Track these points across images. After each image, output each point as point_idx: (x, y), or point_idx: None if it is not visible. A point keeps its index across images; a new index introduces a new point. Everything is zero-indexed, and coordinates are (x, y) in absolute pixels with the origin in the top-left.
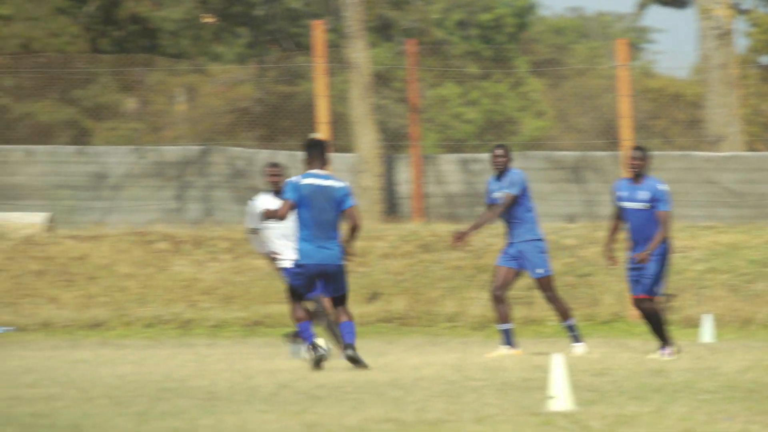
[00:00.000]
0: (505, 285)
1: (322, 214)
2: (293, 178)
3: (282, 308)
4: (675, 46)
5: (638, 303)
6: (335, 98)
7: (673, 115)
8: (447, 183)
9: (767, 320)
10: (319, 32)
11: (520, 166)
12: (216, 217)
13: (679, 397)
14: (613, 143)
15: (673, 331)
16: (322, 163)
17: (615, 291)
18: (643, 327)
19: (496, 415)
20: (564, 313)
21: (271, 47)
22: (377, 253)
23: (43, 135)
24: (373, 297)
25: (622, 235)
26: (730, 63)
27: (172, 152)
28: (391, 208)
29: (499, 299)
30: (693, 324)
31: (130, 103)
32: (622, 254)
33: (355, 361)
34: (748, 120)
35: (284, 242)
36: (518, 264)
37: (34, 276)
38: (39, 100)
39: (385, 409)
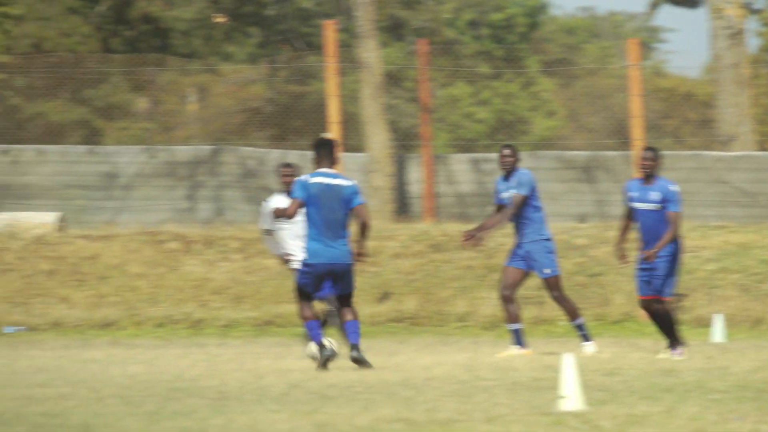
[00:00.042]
0: (514, 285)
1: (330, 213)
2: (302, 177)
3: (293, 308)
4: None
5: (646, 304)
6: (346, 98)
7: (685, 114)
8: (458, 183)
9: None
10: (330, 32)
11: (531, 165)
12: (227, 216)
13: (689, 397)
14: (624, 143)
15: (684, 331)
16: (331, 162)
17: (626, 291)
18: (654, 327)
19: (506, 414)
20: (572, 313)
21: (283, 47)
22: (388, 252)
23: (54, 135)
24: (384, 297)
25: (633, 235)
26: (742, 62)
27: (183, 152)
28: (402, 208)
29: (508, 299)
30: (704, 324)
31: (142, 103)
32: (633, 254)
33: (360, 362)
34: (760, 120)
35: (298, 243)
36: (527, 264)
37: (45, 276)
38: (50, 100)
39: (396, 408)
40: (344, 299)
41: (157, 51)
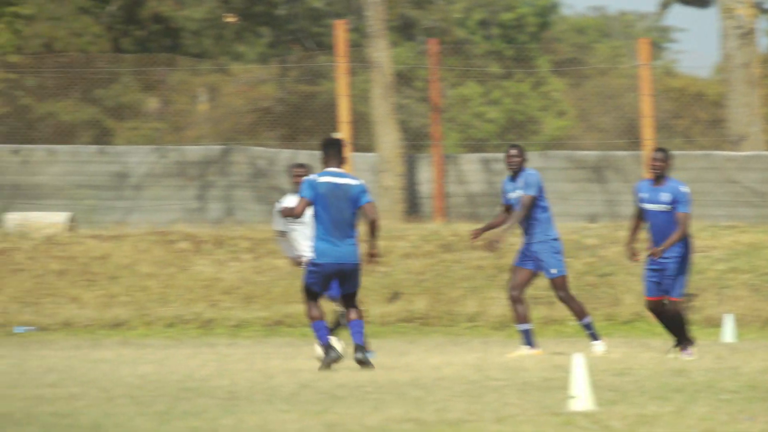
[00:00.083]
0: (522, 285)
1: (338, 213)
2: (310, 177)
3: (303, 308)
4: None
5: (653, 305)
6: (357, 98)
7: (695, 114)
8: (468, 183)
9: None
10: (340, 32)
11: (541, 165)
12: (237, 216)
13: (700, 397)
14: (634, 143)
15: (695, 331)
16: (339, 161)
17: (636, 291)
18: (662, 327)
19: (517, 415)
20: (579, 313)
21: (293, 47)
22: (398, 252)
23: (65, 135)
24: (395, 297)
25: (643, 235)
26: (753, 62)
27: (193, 152)
28: (413, 208)
29: (516, 300)
30: (714, 324)
31: (152, 103)
32: (644, 253)
33: (363, 363)
34: None
35: (310, 244)
36: (535, 264)
37: (55, 276)
38: (61, 100)
39: (405, 408)
40: (349, 298)
41: (168, 51)
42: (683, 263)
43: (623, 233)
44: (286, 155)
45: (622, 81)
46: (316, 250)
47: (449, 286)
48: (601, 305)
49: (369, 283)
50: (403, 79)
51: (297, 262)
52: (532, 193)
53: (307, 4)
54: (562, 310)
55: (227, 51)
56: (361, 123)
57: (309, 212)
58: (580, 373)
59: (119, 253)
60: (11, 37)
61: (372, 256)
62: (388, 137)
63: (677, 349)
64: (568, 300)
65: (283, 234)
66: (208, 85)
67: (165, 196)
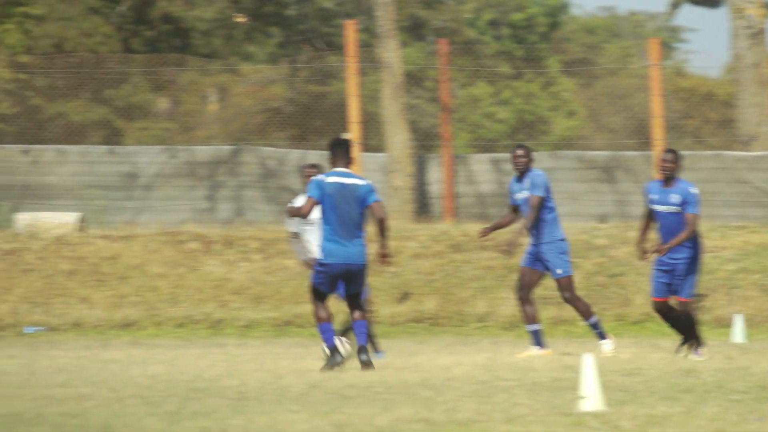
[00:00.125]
0: (530, 286)
1: (346, 213)
2: (318, 177)
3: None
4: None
5: (659, 306)
6: (367, 98)
7: (705, 114)
8: (478, 183)
9: None
10: (351, 32)
11: (551, 165)
12: (247, 217)
13: (710, 398)
14: (644, 143)
15: (705, 332)
16: (347, 162)
17: (646, 291)
18: (670, 328)
19: (526, 415)
20: (585, 313)
21: (303, 47)
22: (408, 253)
23: (75, 135)
24: (404, 297)
25: (653, 235)
26: (763, 62)
27: (203, 152)
28: (423, 208)
29: (525, 300)
30: (724, 324)
31: (162, 103)
32: (654, 254)
33: (367, 365)
34: None
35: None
36: (542, 265)
37: (65, 276)
38: (71, 100)
39: (415, 409)
40: (353, 298)
41: (178, 51)
42: (693, 264)
43: (633, 233)
44: (295, 155)
45: (632, 81)
46: (324, 250)
47: (459, 287)
48: (611, 305)
49: (379, 283)
50: (413, 79)
51: (309, 264)
52: (539, 193)
53: (317, 5)
54: (571, 311)
55: (237, 51)
56: (371, 123)
57: (317, 213)
58: (589, 373)
59: (129, 253)
60: (21, 38)
61: (383, 256)
62: (398, 137)
63: (685, 347)
64: (574, 300)
65: (296, 235)
66: (218, 85)
67: (175, 196)
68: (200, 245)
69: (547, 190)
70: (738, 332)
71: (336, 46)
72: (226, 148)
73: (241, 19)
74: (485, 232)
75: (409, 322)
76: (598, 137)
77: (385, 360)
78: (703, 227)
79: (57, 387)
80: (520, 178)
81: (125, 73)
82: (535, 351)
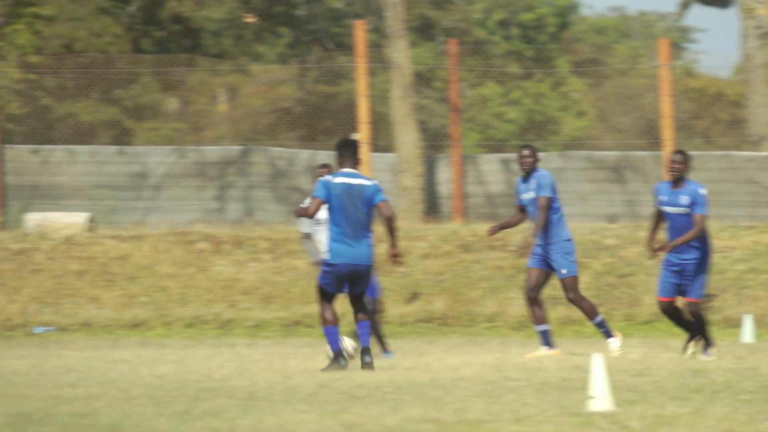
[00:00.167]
0: (538, 286)
1: (353, 214)
2: (326, 177)
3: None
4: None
5: (665, 305)
6: (376, 98)
7: (715, 114)
8: (488, 183)
9: None
10: (360, 32)
11: (560, 166)
12: (256, 217)
13: (719, 398)
14: (654, 143)
15: (714, 332)
16: (354, 162)
17: (655, 291)
18: (677, 328)
19: (535, 415)
20: (591, 312)
21: (313, 47)
22: (417, 253)
23: (84, 135)
24: (413, 297)
25: (662, 235)
26: None
27: (213, 152)
28: (432, 208)
29: (533, 301)
30: (734, 324)
31: (172, 103)
32: (662, 253)
33: (369, 367)
34: None
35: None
36: (549, 265)
37: (75, 276)
38: (81, 101)
39: (424, 409)
40: (357, 299)
41: (188, 51)
42: (703, 264)
43: (643, 234)
44: (305, 156)
45: (641, 81)
46: (331, 250)
47: (468, 287)
48: (621, 305)
49: (388, 283)
50: (423, 79)
51: (320, 266)
52: (547, 194)
53: (326, 5)
54: (580, 311)
55: (247, 51)
56: (381, 123)
57: (326, 213)
58: (598, 373)
59: (138, 253)
60: (31, 38)
61: (394, 256)
62: (408, 137)
63: (691, 343)
64: (578, 300)
65: (308, 236)
66: (227, 85)
67: (184, 196)
68: (210, 245)
69: (554, 190)
70: (747, 332)
71: (345, 47)
72: (235, 149)
73: (250, 19)
74: (493, 231)
75: (418, 322)
76: (607, 137)
77: (394, 360)
78: (713, 227)
79: (66, 387)
80: (526, 179)
81: (135, 73)
82: (544, 351)
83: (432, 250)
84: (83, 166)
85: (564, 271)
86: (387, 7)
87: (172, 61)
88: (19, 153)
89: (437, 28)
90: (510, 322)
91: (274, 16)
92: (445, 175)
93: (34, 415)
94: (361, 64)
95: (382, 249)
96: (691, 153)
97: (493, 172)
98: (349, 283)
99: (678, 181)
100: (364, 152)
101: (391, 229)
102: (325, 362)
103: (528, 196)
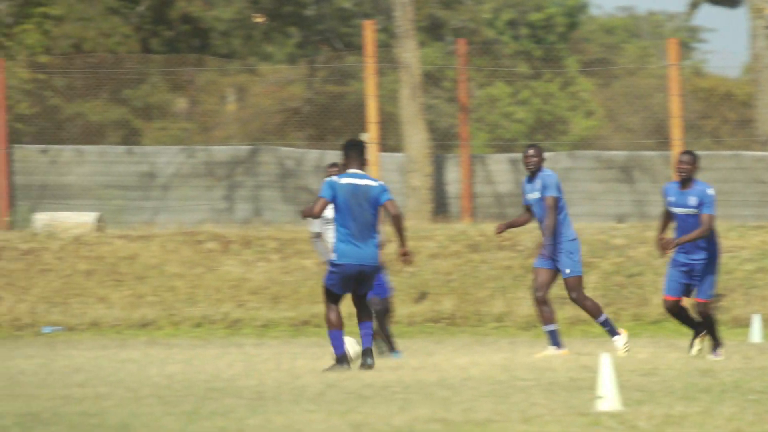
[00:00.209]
0: (545, 286)
1: (360, 214)
2: (332, 178)
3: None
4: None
5: (671, 304)
6: (385, 98)
7: (724, 114)
8: (496, 183)
9: None
10: (369, 32)
11: (569, 165)
12: (265, 217)
13: (727, 398)
14: (663, 143)
15: (722, 331)
16: (360, 163)
17: (662, 289)
18: (682, 326)
19: (543, 415)
20: (594, 312)
21: (322, 47)
22: (426, 253)
23: (93, 135)
24: (422, 297)
25: (671, 235)
26: None
27: (221, 152)
28: (440, 208)
29: (541, 301)
30: (742, 324)
31: (181, 103)
32: (670, 251)
33: (369, 368)
34: None
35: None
36: (555, 264)
37: (83, 276)
38: (90, 100)
39: (432, 408)
40: (361, 299)
41: (197, 51)
42: (711, 265)
43: (651, 233)
44: (314, 155)
45: (650, 81)
46: (338, 251)
47: (476, 287)
48: (629, 305)
49: (396, 283)
50: (432, 79)
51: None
52: (553, 194)
53: (335, 5)
54: None
55: (256, 51)
56: (389, 123)
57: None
58: (606, 373)
59: (147, 253)
60: (40, 38)
61: (404, 255)
62: (416, 137)
63: (697, 340)
64: (581, 300)
65: (318, 235)
66: (236, 85)
67: (193, 196)
68: (218, 245)
69: (559, 189)
70: (756, 332)
71: (354, 46)
72: (244, 148)
73: (259, 19)
74: (501, 229)
75: (427, 322)
76: (616, 137)
77: (402, 360)
78: (721, 227)
79: (75, 386)
80: (531, 179)
81: (144, 73)
82: (552, 351)
83: (440, 250)
84: (92, 166)
85: (567, 271)
86: (396, 6)
87: (181, 61)
88: (27, 153)
89: (446, 28)
90: (518, 322)
91: (283, 16)
92: (454, 175)
93: (43, 414)
94: (370, 64)
95: (391, 248)
96: (700, 153)
97: (501, 172)
98: (354, 283)
99: (686, 181)
100: (373, 152)
101: (399, 228)
102: (331, 362)
103: (533, 196)
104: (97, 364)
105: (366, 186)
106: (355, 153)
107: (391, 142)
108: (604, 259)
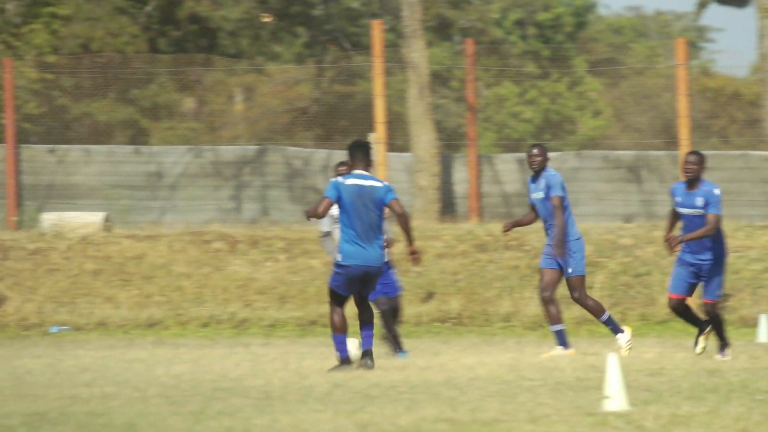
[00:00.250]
0: (552, 286)
1: (365, 216)
2: (337, 178)
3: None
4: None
5: (675, 303)
6: (393, 98)
7: (732, 114)
8: (504, 182)
9: None
10: (377, 32)
11: (577, 165)
12: (272, 216)
13: (734, 398)
14: (670, 143)
15: (730, 331)
16: (366, 164)
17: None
18: (686, 325)
19: (550, 415)
20: (597, 311)
21: (330, 47)
22: (433, 252)
23: (101, 135)
24: (429, 297)
25: (678, 234)
26: None
27: (229, 152)
28: (448, 208)
29: (547, 301)
30: (749, 324)
31: (188, 103)
32: (677, 247)
33: (368, 369)
34: None
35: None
36: (559, 264)
37: (90, 275)
38: (97, 100)
39: (439, 408)
40: (362, 300)
41: (204, 51)
42: (719, 265)
43: (659, 233)
44: (321, 155)
45: (658, 81)
46: (343, 252)
47: (483, 286)
48: (636, 305)
49: (403, 282)
50: (439, 79)
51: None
52: (558, 193)
53: (343, 5)
54: None
55: (263, 51)
56: (397, 123)
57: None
58: (614, 373)
59: (154, 253)
60: (48, 38)
61: (412, 253)
62: (424, 137)
63: (701, 337)
64: (583, 300)
65: (327, 234)
66: (244, 85)
67: (200, 196)
68: (225, 245)
69: (563, 189)
70: (763, 332)
71: (362, 46)
72: (251, 148)
73: (267, 19)
74: (508, 227)
75: (434, 322)
76: (624, 137)
77: (409, 359)
78: (729, 227)
79: (82, 386)
80: (535, 178)
81: (151, 73)
82: (559, 351)
83: (447, 250)
84: (99, 166)
85: (570, 270)
86: (404, 6)
87: (189, 60)
88: (35, 152)
89: (454, 28)
90: (525, 322)
91: (291, 15)
92: (461, 175)
93: (50, 414)
94: (377, 64)
95: (400, 248)
96: (708, 153)
97: (509, 171)
98: (359, 284)
99: (693, 182)
100: (381, 152)
101: (406, 227)
102: (336, 362)
103: (537, 196)
104: (104, 364)
105: (371, 187)
106: (360, 154)
107: (398, 141)
108: (611, 259)
